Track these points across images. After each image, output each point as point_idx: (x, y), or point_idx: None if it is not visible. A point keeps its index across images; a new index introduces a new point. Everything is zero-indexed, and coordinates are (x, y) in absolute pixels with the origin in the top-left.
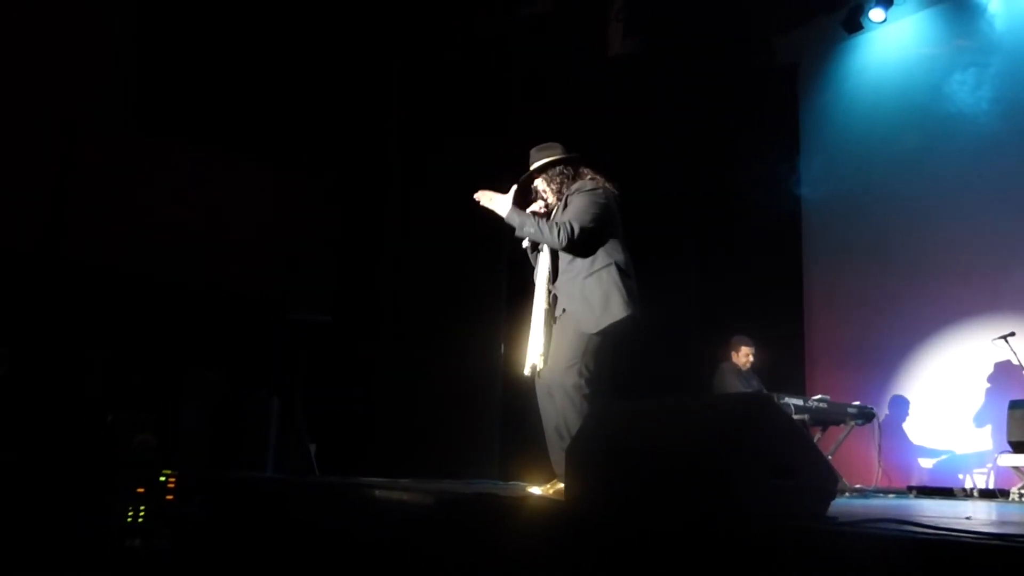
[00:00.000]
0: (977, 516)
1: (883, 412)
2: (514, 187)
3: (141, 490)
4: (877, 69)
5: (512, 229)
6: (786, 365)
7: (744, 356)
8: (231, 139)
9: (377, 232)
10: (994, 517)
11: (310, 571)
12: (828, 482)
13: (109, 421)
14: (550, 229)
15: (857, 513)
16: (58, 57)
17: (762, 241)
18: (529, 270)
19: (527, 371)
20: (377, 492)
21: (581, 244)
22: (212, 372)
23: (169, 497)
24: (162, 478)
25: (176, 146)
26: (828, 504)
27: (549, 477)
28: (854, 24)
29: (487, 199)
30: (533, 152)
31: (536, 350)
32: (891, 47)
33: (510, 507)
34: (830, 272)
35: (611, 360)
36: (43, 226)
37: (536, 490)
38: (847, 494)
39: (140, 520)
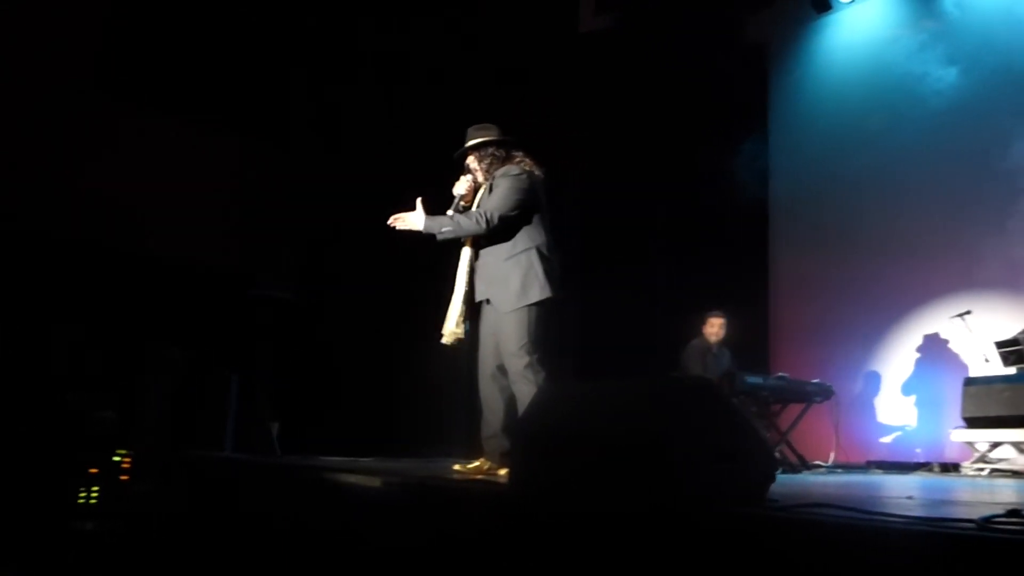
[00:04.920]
0: (920, 494)
1: (845, 389)
2: (419, 200)
3: (94, 471)
4: (845, 49)
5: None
6: (751, 343)
7: (711, 328)
8: (197, 109)
9: (343, 208)
10: (937, 496)
11: (263, 552)
12: (768, 465)
13: (69, 401)
14: (469, 219)
15: (796, 496)
16: (20, 22)
17: (730, 220)
18: None
19: (446, 341)
20: (325, 475)
21: (501, 230)
22: (174, 348)
23: (124, 478)
24: (116, 458)
25: (140, 115)
26: (767, 487)
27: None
28: (822, 4)
29: (401, 223)
30: (470, 131)
31: (453, 319)
32: (859, 27)
33: (455, 492)
34: (796, 251)
35: (548, 338)
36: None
37: (459, 467)
38: (806, 470)
39: (93, 502)
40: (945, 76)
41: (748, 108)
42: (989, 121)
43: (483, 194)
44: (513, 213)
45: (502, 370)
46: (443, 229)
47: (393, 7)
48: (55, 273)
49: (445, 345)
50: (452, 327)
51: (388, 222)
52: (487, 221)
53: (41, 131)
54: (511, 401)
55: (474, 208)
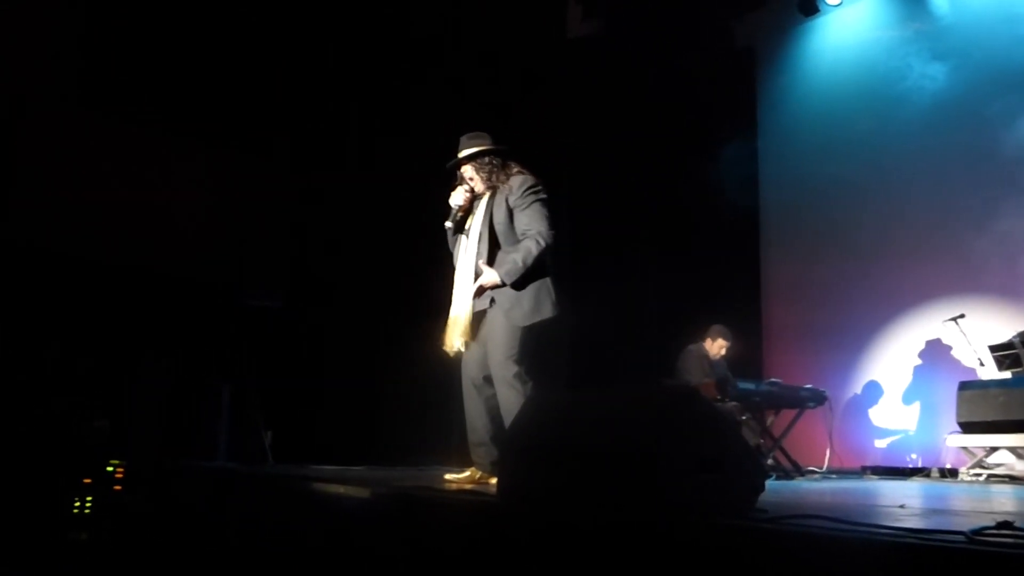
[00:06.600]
0: (913, 503)
1: (839, 394)
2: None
3: (87, 480)
4: (833, 52)
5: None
6: (743, 349)
7: (718, 347)
8: (183, 119)
9: (332, 216)
10: (930, 505)
11: (255, 562)
12: (755, 475)
13: (53, 407)
14: (531, 247)
15: (786, 505)
16: (4, 34)
17: (720, 226)
18: None
19: (451, 350)
20: (316, 485)
21: (549, 251)
22: (165, 358)
23: (117, 488)
24: (109, 468)
25: (127, 126)
26: (755, 497)
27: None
28: (810, 7)
29: (481, 285)
30: (463, 140)
31: (461, 330)
32: (847, 30)
33: (442, 502)
34: (787, 256)
35: (541, 353)
36: None
37: (450, 476)
38: (800, 477)
39: (86, 512)
40: (934, 76)
41: (737, 112)
42: (981, 120)
43: (488, 204)
44: (552, 230)
45: (488, 380)
46: (517, 272)
47: (375, 14)
48: (47, 285)
49: (447, 353)
50: (459, 339)
51: (476, 292)
52: (542, 245)
53: (30, 145)
54: (496, 410)
55: (480, 216)
